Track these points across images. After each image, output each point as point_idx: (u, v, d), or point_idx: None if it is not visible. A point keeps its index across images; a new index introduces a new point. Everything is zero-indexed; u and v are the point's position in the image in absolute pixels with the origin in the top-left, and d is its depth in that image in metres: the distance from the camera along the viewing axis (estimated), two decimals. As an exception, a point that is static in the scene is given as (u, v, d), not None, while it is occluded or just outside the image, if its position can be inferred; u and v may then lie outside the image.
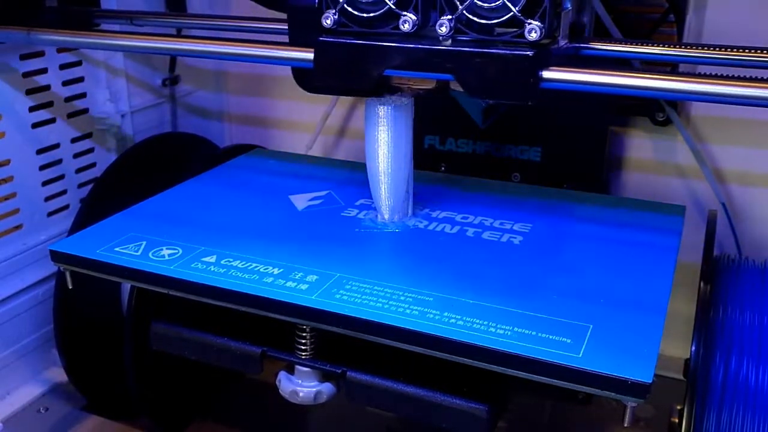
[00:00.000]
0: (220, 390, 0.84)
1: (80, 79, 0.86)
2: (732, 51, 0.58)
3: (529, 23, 0.50)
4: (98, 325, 0.79)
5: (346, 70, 0.55)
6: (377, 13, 0.53)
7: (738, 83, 0.47)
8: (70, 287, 0.59)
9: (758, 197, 0.79)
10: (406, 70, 0.54)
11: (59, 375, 0.82)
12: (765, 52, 0.56)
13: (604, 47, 0.62)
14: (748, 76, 0.48)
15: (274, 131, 1.03)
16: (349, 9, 0.54)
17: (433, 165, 0.84)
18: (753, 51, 0.57)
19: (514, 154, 0.81)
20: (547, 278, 0.53)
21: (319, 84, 0.57)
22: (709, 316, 0.55)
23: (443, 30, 0.52)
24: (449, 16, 0.52)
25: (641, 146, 0.83)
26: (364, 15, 0.54)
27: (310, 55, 0.56)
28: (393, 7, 0.53)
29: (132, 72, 0.91)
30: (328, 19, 0.55)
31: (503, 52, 0.50)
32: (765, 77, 0.47)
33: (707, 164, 0.78)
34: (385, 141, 0.59)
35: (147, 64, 0.94)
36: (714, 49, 0.59)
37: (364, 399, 0.53)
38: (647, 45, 0.61)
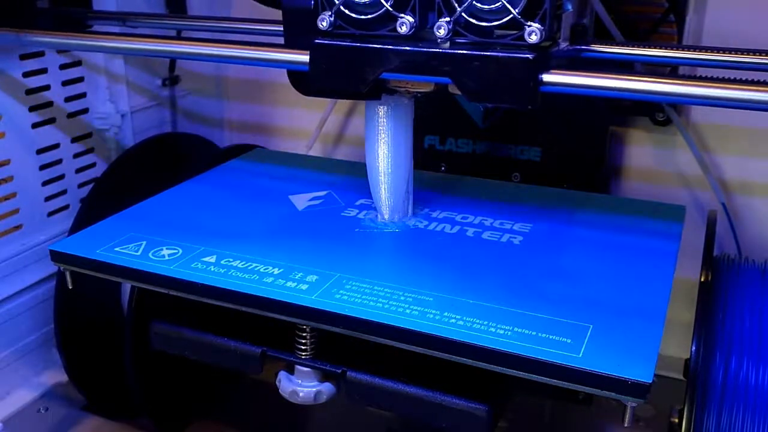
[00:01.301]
0: (220, 390, 0.84)
1: (80, 79, 0.86)
2: (738, 54, 0.57)
3: (529, 25, 0.49)
4: (98, 325, 0.79)
5: (342, 73, 0.54)
6: (374, 15, 0.52)
7: (743, 87, 0.46)
8: (70, 287, 0.59)
9: (758, 197, 0.79)
10: (403, 73, 0.53)
11: (59, 375, 0.82)
12: (765, 54, 0.56)
13: (606, 49, 0.61)
14: (752, 80, 0.48)
15: (274, 131, 1.03)
16: (345, 11, 0.53)
17: (433, 165, 0.84)
18: (756, 54, 0.56)
19: (514, 154, 0.81)
20: (547, 278, 0.53)
21: (315, 87, 0.56)
22: (709, 316, 0.55)
23: (441, 32, 0.51)
24: (447, 18, 0.51)
25: (641, 146, 0.83)
26: (361, 17, 0.53)
27: (306, 58, 0.55)
28: (390, 8, 0.52)
29: (132, 72, 0.91)
30: (324, 21, 0.54)
31: (502, 55, 0.49)
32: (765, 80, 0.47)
33: (707, 164, 0.78)
34: (385, 141, 0.59)
35: (147, 64, 0.94)
36: (716, 52, 0.58)
37: (364, 399, 0.53)
38: (648, 47, 0.61)
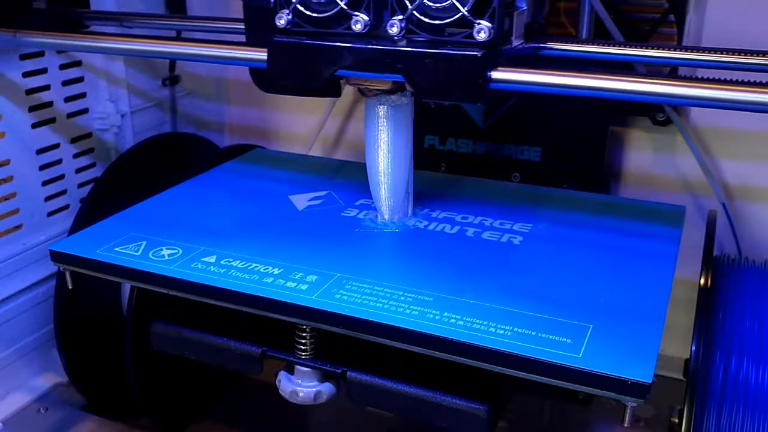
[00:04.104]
0: (220, 390, 0.84)
1: (80, 79, 0.86)
2: (736, 55, 0.57)
3: (479, 23, 0.50)
4: (98, 325, 0.79)
5: (299, 71, 0.55)
6: (329, 13, 0.54)
7: (740, 88, 0.46)
8: (70, 287, 0.59)
9: (758, 197, 0.79)
10: (357, 70, 0.54)
11: (59, 375, 0.82)
12: (759, 55, 0.56)
13: (565, 47, 0.61)
14: (736, 80, 0.48)
15: (273, 132, 1.03)
16: (302, 9, 0.54)
17: (433, 165, 0.84)
18: (756, 54, 0.56)
19: (514, 154, 0.81)
20: (547, 278, 0.53)
21: (273, 84, 0.57)
22: (709, 316, 0.55)
23: (394, 30, 0.52)
24: (400, 17, 0.52)
25: (641, 146, 0.83)
26: (317, 15, 0.54)
27: (265, 56, 0.56)
28: (344, 7, 0.53)
29: (132, 72, 0.90)
30: (282, 19, 0.55)
31: (452, 52, 0.50)
32: (760, 81, 0.47)
33: (707, 164, 0.78)
34: (385, 141, 0.59)
35: (147, 64, 0.94)
36: (710, 53, 0.57)
37: (364, 399, 0.53)
38: (607, 45, 0.60)
